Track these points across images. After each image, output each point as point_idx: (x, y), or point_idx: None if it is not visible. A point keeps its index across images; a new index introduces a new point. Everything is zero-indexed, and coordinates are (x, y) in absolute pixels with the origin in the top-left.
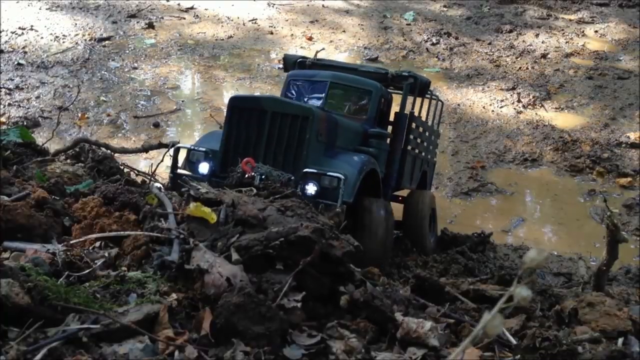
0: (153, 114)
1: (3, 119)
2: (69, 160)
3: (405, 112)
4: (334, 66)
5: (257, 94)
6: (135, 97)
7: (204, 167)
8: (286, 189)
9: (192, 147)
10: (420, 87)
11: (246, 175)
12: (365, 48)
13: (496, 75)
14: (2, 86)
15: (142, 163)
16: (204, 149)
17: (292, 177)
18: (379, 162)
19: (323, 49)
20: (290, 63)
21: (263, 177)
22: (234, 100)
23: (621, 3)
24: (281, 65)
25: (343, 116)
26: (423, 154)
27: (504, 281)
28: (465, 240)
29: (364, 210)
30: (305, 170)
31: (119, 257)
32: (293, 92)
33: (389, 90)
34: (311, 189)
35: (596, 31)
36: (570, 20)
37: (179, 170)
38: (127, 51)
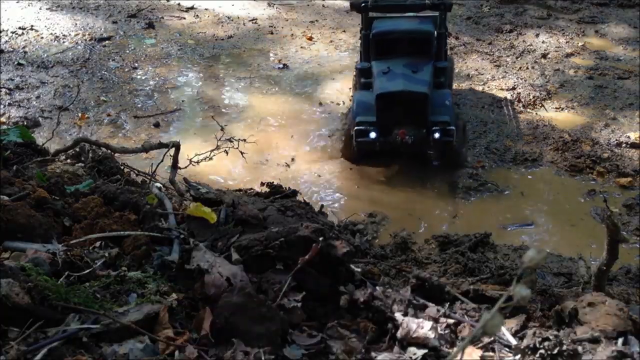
0: (153, 114)
1: (3, 119)
2: (69, 160)
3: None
4: (390, 6)
5: (395, 89)
6: (135, 97)
7: (373, 134)
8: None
9: (362, 119)
10: (449, 6)
11: (403, 140)
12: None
13: (496, 75)
14: (2, 86)
15: (142, 163)
16: (372, 119)
17: (424, 131)
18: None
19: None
20: (356, 6)
21: (413, 137)
22: (381, 96)
23: (621, 3)
24: (281, 65)
25: (419, 63)
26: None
27: (504, 281)
28: (465, 240)
29: None
30: (431, 121)
31: (119, 257)
32: (380, 50)
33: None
34: (437, 134)
35: (596, 31)
36: (570, 20)
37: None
38: (127, 51)
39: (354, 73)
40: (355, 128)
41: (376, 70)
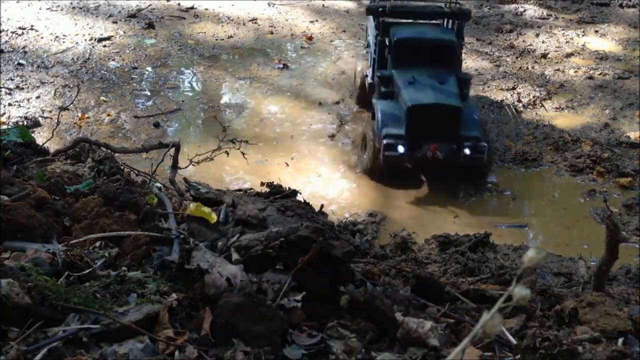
0: (153, 114)
1: (3, 119)
2: (69, 160)
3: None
4: (408, 12)
5: (428, 101)
6: (135, 97)
7: (401, 148)
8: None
9: (390, 132)
10: (468, 15)
11: (434, 155)
12: (365, 47)
13: (496, 75)
14: (2, 86)
15: (142, 163)
16: (400, 132)
17: (455, 146)
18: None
19: None
20: (374, 10)
21: (444, 153)
22: (413, 108)
23: (621, 3)
24: (281, 65)
25: (443, 73)
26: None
27: (504, 281)
28: (465, 240)
29: None
30: (462, 136)
31: (119, 257)
32: (401, 57)
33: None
34: (468, 150)
35: (596, 31)
36: (570, 20)
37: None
38: (127, 51)
39: (358, 75)
40: (384, 142)
41: (400, 80)
